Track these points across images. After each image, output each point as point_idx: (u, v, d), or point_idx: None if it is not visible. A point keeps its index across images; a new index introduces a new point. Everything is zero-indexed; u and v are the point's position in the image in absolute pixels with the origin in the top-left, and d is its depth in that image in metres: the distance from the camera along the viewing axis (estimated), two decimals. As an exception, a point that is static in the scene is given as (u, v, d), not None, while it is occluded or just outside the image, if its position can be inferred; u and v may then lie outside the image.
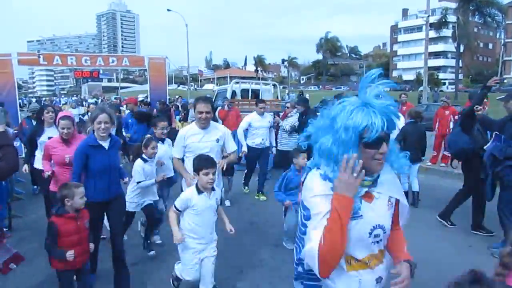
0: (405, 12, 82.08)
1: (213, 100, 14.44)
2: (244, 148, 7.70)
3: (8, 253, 3.09)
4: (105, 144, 4.05)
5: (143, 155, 5.10)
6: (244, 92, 13.76)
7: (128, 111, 10.68)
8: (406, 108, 9.55)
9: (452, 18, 44.48)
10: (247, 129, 8.10)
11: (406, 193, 7.55)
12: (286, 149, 8.99)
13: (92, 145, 3.99)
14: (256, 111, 8.16)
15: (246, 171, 8.59)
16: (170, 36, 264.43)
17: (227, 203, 7.51)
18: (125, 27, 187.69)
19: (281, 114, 9.64)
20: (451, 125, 10.45)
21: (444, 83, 57.92)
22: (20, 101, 20.26)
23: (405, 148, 7.45)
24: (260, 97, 13.78)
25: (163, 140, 5.78)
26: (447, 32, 49.88)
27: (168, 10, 40.64)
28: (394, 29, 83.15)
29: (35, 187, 8.21)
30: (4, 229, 5.72)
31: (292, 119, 8.90)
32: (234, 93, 13.14)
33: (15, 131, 8.90)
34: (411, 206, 7.37)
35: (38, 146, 5.75)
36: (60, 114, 4.74)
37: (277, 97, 14.89)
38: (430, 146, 10.79)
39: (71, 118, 4.71)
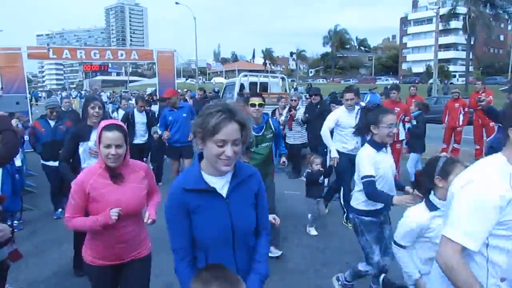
0: (415, 3, 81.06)
1: (222, 93, 14.47)
2: (334, 154, 5.83)
3: (10, 247, 3.11)
4: (223, 187, 1.99)
5: None
6: (253, 85, 13.72)
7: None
8: (416, 101, 9.48)
9: (462, 9, 43.89)
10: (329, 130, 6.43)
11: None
12: (299, 142, 8.98)
13: (196, 189, 1.93)
14: (344, 104, 6.07)
15: (330, 186, 6.75)
16: (179, 29, 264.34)
17: (313, 231, 5.76)
18: (133, 21, 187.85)
19: (287, 107, 9.52)
20: (461, 118, 10.37)
21: (454, 76, 57.20)
22: (29, 95, 20.38)
23: (419, 139, 7.60)
24: (269, 90, 13.76)
25: (386, 146, 3.63)
26: (458, 24, 49.30)
27: (176, 3, 40.54)
28: (404, 21, 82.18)
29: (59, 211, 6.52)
30: (17, 221, 5.83)
31: (300, 112, 8.86)
32: (242, 86, 13.11)
33: (25, 121, 8.93)
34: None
35: (80, 156, 4.15)
36: (105, 122, 2.70)
37: (286, 90, 14.85)
38: (439, 138, 10.77)
39: (124, 129, 2.69)
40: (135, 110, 8.18)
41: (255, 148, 4.64)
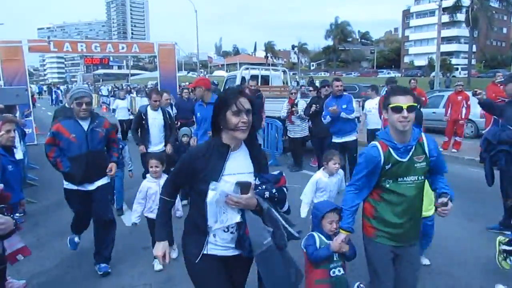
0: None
1: (223, 86, 14.45)
2: None
3: (19, 243, 3.13)
4: None
5: None
6: (254, 78, 13.71)
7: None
8: (417, 94, 9.46)
9: (466, 1, 43.61)
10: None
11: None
12: (299, 135, 9.03)
13: None
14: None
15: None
16: (180, 22, 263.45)
17: None
18: (134, 14, 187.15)
19: (286, 101, 9.50)
20: (464, 111, 10.35)
21: (457, 69, 57.08)
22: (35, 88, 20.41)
23: None
24: (270, 84, 13.75)
25: None
26: (461, 16, 49.04)
27: (177, -4, 40.30)
28: (406, 14, 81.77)
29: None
30: (20, 214, 5.85)
31: (301, 105, 8.88)
32: (243, 79, 13.07)
33: (27, 113, 8.93)
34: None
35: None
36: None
37: (287, 83, 14.81)
38: (441, 131, 10.77)
39: None
40: (149, 108, 6.33)
41: (392, 183, 2.71)
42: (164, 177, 4.17)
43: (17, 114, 8.21)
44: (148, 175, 4.48)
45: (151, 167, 4.39)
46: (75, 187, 4.15)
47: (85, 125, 4.06)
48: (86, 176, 4.10)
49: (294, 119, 8.90)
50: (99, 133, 4.16)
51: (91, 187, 4.18)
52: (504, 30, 74.69)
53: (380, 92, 9.99)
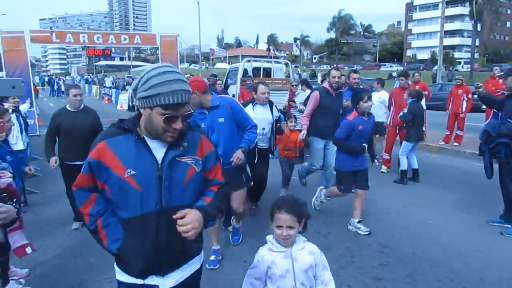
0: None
1: (225, 78, 14.44)
2: None
3: (23, 240, 3.14)
4: None
5: None
6: (256, 70, 13.69)
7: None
8: (420, 87, 9.43)
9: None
10: None
11: (415, 171, 7.55)
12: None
13: None
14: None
15: None
16: (182, 14, 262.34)
17: None
18: (136, 5, 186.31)
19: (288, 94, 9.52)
20: (464, 104, 10.33)
21: (460, 62, 56.78)
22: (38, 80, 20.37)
23: (413, 127, 7.53)
24: (272, 76, 13.74)
25: None
26: (464, 10, 48.80)
27: (180, -13, 40.11)
28: (409, 7, 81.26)
29: None
30: (22, 204, 5.88)
31: (300, 98, 8.85)
32: (245, 72, 13.06)
33: (30, 104, 8.96)
34: (412, 182, 7.43)
35: None
36: None
37: (289, 76, 14.80)
38: (443, 125, 10.76)
39: None
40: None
41: None
42: (304, 243, 2.27)
43: (21, 106, 8.21)
44: (269, 238, 2.28)
45: (279, 226, 2.16)
46: (132, 281, 1.93)
47: (159, 150, 1.84)
48: (156, 261, 1.88)
49: (292, 112, 8.90)
50: (189, 167, 1.89)
51: (165, 283, 1.92)
52: (508, 24, 74.20)
53: (395, 85, 9.96)
